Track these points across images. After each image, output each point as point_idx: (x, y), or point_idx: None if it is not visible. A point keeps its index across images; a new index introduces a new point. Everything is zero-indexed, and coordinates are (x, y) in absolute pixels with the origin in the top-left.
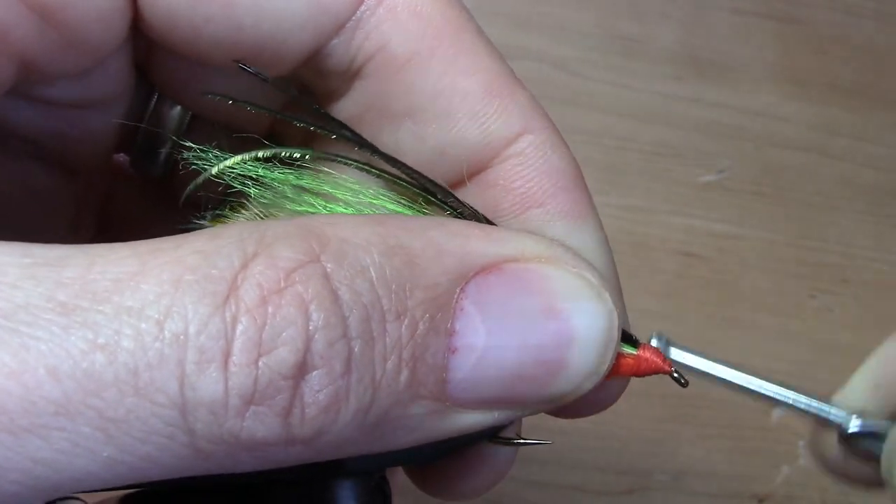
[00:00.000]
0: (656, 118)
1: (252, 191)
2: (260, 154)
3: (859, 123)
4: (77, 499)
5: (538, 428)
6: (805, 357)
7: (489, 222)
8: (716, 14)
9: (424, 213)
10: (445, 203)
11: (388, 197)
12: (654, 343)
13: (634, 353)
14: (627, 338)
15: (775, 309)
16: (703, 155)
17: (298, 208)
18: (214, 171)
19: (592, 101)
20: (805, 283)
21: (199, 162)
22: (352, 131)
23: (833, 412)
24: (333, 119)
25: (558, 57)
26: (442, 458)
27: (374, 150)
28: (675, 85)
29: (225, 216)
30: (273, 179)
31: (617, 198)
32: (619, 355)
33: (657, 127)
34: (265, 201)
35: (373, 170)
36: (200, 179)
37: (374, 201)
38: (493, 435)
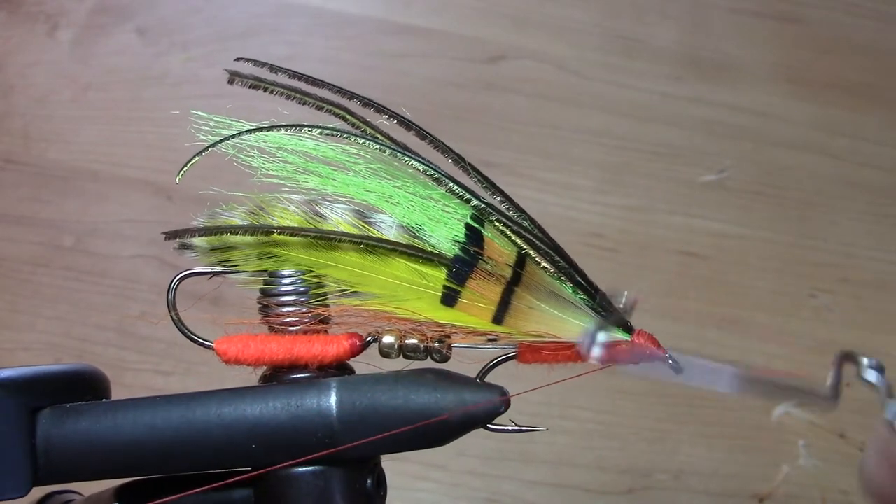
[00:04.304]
0: (656, 118)
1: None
2: (270, 125)
3: (859, 123)
4: (74, 492)
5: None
6: (805, 357)
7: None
8: (716, 14)
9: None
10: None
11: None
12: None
13: (629, 339)
14: (622, 324)
15: (775, 309)
16: (703, 155)
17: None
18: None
19: (592, 101)
20: (805, 282)
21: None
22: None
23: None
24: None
25: (558, 57)
26: (439, 444)
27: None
28: (675, 85)
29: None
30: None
31: (617, 198)
32: (614, 342)
33: (657, 127)
34: (274, 172)
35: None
36: (205, 149)
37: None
38: (488, 422)
